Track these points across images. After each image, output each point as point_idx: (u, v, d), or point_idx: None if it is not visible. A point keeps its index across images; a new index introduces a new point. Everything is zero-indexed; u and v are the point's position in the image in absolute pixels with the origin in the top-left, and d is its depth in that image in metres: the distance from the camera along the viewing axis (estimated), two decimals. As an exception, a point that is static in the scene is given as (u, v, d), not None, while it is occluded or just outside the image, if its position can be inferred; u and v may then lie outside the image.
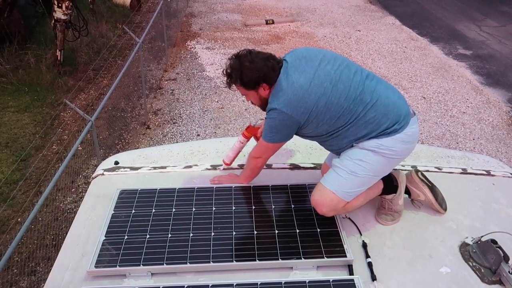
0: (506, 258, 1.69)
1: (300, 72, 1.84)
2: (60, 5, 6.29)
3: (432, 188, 2.04)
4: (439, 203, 2.03)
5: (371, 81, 1.87)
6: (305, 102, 1.80)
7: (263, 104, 1.96)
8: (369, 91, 1.83)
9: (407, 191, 2.06)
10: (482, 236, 1.82)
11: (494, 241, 1.74)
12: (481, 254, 1.77)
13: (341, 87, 1.82)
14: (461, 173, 2.33)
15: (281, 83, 1.84)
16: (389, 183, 2.00)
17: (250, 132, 2.23)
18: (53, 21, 6.44)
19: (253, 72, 1.84)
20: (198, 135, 5.51)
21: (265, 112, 1.94)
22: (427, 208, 2.07)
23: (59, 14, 6.33)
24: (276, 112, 1.83)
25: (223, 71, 1.95)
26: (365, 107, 1.82)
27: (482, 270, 1.73)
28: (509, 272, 1.65)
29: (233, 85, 1.94)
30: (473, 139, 5.55)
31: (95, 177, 2.30)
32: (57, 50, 6.58)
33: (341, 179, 1.85)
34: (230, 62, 1.90)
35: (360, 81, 1.84)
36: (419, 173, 2.07)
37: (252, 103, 2.02)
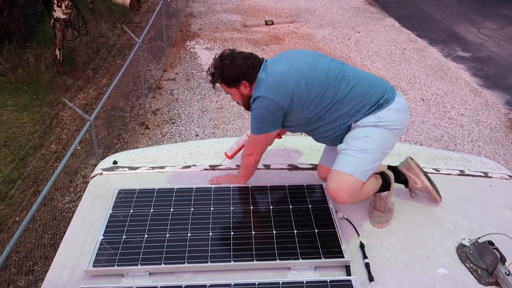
0: (503, 259, 1.69)
1: (278, 63, 1.93)
2: (59, 4, 6.29)
3: (428, 177, 2.09)
4: (436, 190, 2.07)
5: (349, 67, 1.96)
6: (286, 85, 1.86)
7: (246, 103, 2.02)
8: (349, 72, 1.92)
9: (404, 180, 2.09)
10: (479, 238, 1.83)
11: (491, 243, 1.75)
12: (478, 256, 1.78)
13: (319, 68, 1.89)
14: (459, 174, 2.34)
15: (261, 76, 1.93)
16: (385, 181, 2.03)
17: None
18: (52, 20, 6.45)
19: (233, 69, 1.92)
20: (197, 135, 5.51)
21: (250, 112, 1.99)
22: (424, 209, 2.08)
23: (58, 13, 6.33)
24: (259, 100, 1.88)
25: (207, 71, 2.04)
26: (348, 84, 1.87)
27: (479, 272, 1.74)
28: (505, 273, 1.65)
29: (217, 84, 2.01)
30: (472, 141, 5.57)
31: (94, 176, 2.31)
32: (57, 49, 6.58)
33: (355, 159, 1.83)
34: (213, 62, 1.99)
35: (337, 65, 1.93)
36: (414, 160, 2.12)
37: (238, 103, 2.08)
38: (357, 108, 1.87)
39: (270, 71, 1.90)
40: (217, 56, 2.00)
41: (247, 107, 2.03)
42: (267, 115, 1.89)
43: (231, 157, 2.30)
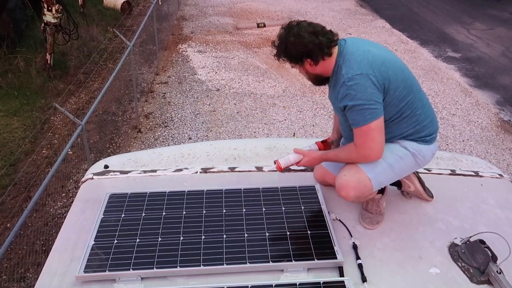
0: (494, 258, 1.70)
1: (377, 48, 1.81)
2: (50, 8, 6.25)
3: (419, 177, 2.13)
4: (426, 192, 2.12)
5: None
6: (386, 69, 1.74)
7: (312, 79, 1.90)
8: (423, 93, 1.91)
9: (398, 183, 2.11)
10: (470, 237, 1.83)
11: (482, 242, 1.76)
12: (470, 255, 1.79)
13: (414, 79, 1.87)
14: (450, 174, 2.35)
15: (353, 53, 1.74)
16: None
17: (326, 147, 2.12)
18: (43, 24, 6.41)
19: (297, 46, 1.75)
20: (190, 138, 5.50)
21: (316, 86, 1.89)
22: (416, 209, 2.09)
23: (49, 17, 6.29)
24: (360, 77, 1.69)
25: (272, 43, 1.84)
26: (423, 105, 1.86)
27: (471, 270, 1.75)
28: (497, 272, 1.66)
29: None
30: (463, 141, 5.61)
31: (85, 181, 2.29)
32: (47, 54, 6.54)
33: (380, 168, 1.85)
34: (279, 33, 1.80)
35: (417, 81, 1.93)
36: None
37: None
38: (413, 130, 1.87)
39: (364, 49, 1.76)
40: (284, 26, 1.80)
41: (315, 82, 1.91)
42: (374, 92, 1.70)
43: (282, 170, 2.03)
